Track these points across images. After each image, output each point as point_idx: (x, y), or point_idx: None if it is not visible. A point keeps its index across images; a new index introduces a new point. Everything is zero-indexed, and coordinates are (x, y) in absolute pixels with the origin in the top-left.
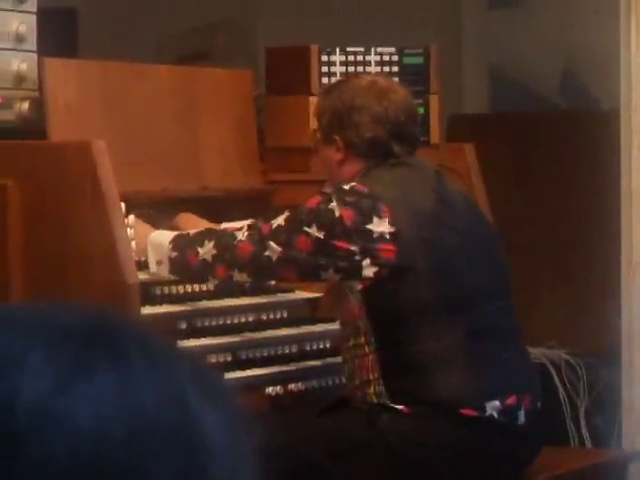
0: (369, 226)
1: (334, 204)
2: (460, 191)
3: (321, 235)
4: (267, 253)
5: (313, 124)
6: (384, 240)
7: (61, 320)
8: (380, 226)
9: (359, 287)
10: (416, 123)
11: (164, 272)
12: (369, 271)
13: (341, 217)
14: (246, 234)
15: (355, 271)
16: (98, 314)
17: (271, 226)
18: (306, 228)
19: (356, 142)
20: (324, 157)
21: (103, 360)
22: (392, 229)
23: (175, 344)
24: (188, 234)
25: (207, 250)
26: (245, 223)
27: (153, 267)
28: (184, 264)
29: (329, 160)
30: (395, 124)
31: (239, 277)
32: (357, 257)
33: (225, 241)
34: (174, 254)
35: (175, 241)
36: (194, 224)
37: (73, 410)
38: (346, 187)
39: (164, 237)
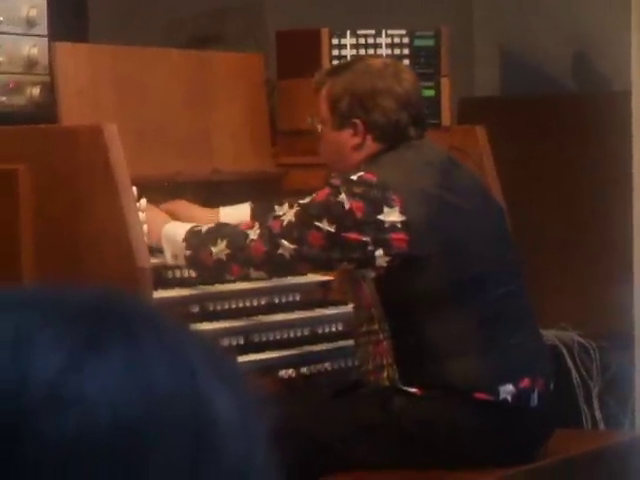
0: (380, 216)
1: (343, 196)
2: (470, 172)
3: (332, 229)
4: (280, 251)
5: (320, 108)
6: (396, 229)
7: (71, 299)
8: (391, 215)
9: (372, 275)
10: (424, 104)
11: (181, 264)
12: (382, 261)
13: (351, 209)
14: (257, 232)
15: (368, 261)
16: (109, 294)
17: (282, 223)
18: (317, 223)
19: (381, 124)
20: (336, 142)
21: (114, 338)
22: (403, 218)
23: (186, 325)
24: (200, 231)
25: (220, 249)
26: (242, 206)
27: (169, 259)
28: (200, 264)
29: (342, 144)
30: (415, 107)
31: (256, 275)
32: (370, 247)
33: (237, 241)
34: (188, 252)
35: (188, 239)
36: (187, 211)
37: (84, 387)
38: (354, 177)
39: (178, 231)
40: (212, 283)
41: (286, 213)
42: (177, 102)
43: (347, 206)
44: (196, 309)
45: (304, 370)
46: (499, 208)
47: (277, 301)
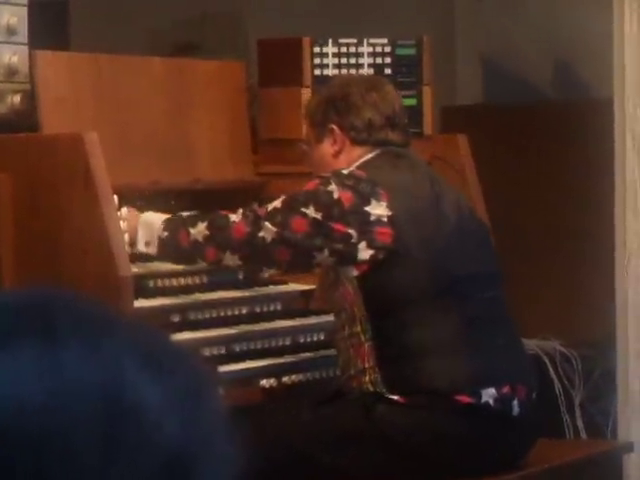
0: (367, 208)
1: (333, 186)
2: (449, 186)
3: (318, 216)
4: (262, 234)
5: (296, 126)
6: (381, 223)
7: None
8: (378, 209)
9: (355, 273)
10: (406, 116)
11: (152, 252)
12: (365, 254)
13: (339, 199)
14: (240, 216)
15: (350, 254)
16: (42, 292)
17: (267, 209)
18: (303, 209)
19: (355, 124)
20: (320, 155)
21: (28, 332)
22: (389, 213)
23: (127, 319)
24: (181, 215)
25: (199, 231)
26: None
27: (142, 247)
28: (174, 244)
29: (324, 155)
30: (390, 111)
31: (230, 260)
32: (353, 240)
33: (218, 222)
34: (165, 234)
35: (167, 222)
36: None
37: None
38: (345, 172)
39: (156, 217)
40: (182, 264)
41: (273, 202)
42: (158, 110)
43: (336, 195)
44: (177, 318)
45: (286, 380)
46: (483, 223)
47: (258, 310)
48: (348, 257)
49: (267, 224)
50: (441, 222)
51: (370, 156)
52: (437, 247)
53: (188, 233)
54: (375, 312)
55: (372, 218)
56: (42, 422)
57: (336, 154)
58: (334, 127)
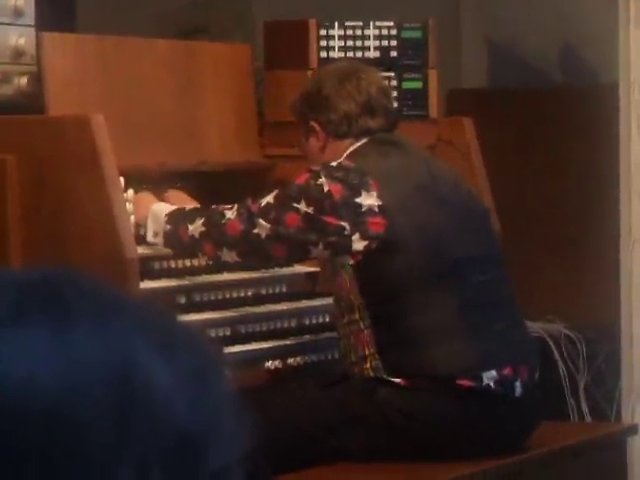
0: (358, 200)
1: (323, 180)
2: (448, 168)
3: (310, 210)
4: (256, 231)
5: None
6: (373, 213)
7: (10, 274)
8: (368, 199)
9: (351, 262)
10: (389, 98)
11: (160, 243)
12: (359, 245)
13: (330, 192)
14: (235, 212)
15: (345, 246)
16: (53, 271)
17: (260, 204)
18: (295, 204)
19: (331, 119)
20: (309, 151)
21: (41, 310)
22: (380, 202)
23: (136, 299)
24: (184, 209)
25: (196, 227)
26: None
27: (150, 237)
28: (176, 239)
29: (312, 151)
30: (366, 98)
31: (227, 256)
32: (346, 232)
33: (214, 219)
34: (168, 227)
35: (170, 215)
36: (181, 202)
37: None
38: (333, 164)
39: (163, 209)
40: (187, 258)
41: (266, 196)
42: (164, 93)
43: (326, 188)
44: (183, 300)
45: (291, 361)
46: (482, 206)
47: (264, 292)
48: (343, 249)
49: (261, 221)
50: (436, 205)
51: (357, 145)
52: (433, 231)
53: (187, 228)
54: (372, 300)
55: (364, 209)
56: (54, 399)
57: (322, 149)
58: (314, 124)
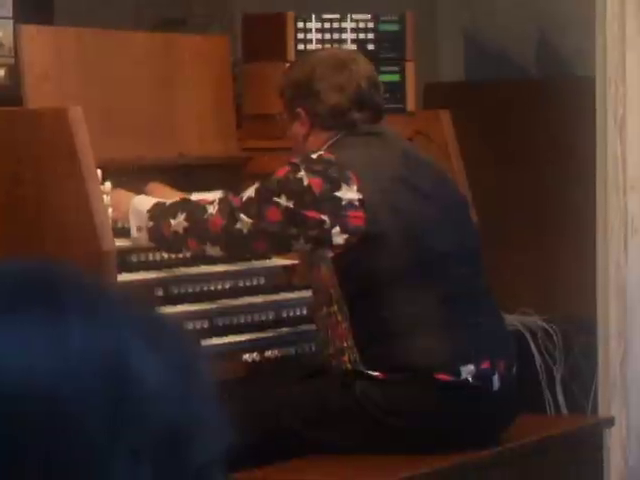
0: (337, 193)
1: (302, 173)
2: (429, 159)
3: (291, 204)
4: (238, 226)
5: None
6: (353, 207)
7: (5, 268)
8: (348, 193)
9: (330, 255)
10: (379, 90)
11: (144, 238)
12: (339, 239)
13: (309, 185)
14: (217, 208)
15: (325, 239)
16: (44, 264)
17: (241, 199)
18: (276, 198)
19: (319, 111)
20: (292, 134)
21: (33, 302)
22: (360, 196)
23: (125, 296)
24: (164, 204)
25: (178, 222)
26: (217, 196)
27: (134, 232)
28: (159, 234)
29: (295, 136)
30: (356, 91)
31: (212, 251)
32: (327, 225)
33: (196, 215)
34: (151, 223)
35: (152, 210)
36: (163, 194)
37: None
38: (314, 156)
39: (144, 204)
40: (172, 253)
41: (247, 190)
42: (142, 85)
43: (306, 182)
44: (160, 292)
45: (268, 354)
46: (462, 198)
47: (241, 285)
48: (323, 242)
49: (242, 216)
50: (416, 197)
51: (339, 136)
52: (413, 224)
53: (169, 225)
54: (351, 293)
55: (344, 203)
56: (49, 391)
57: (305, 137)
58: (300, 111)
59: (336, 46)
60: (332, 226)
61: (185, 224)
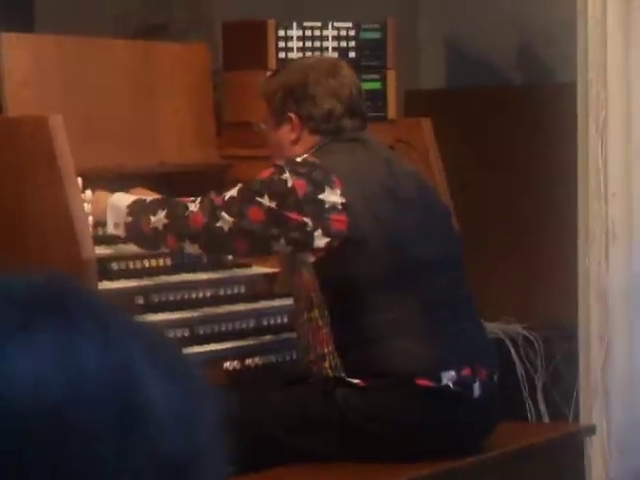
0: (321, 196)
1: (287, 175)
2: (411, 167)
3: (273, 205)
4: (219, 224)
5: (263, 112)
6: (336, 210)
7: (14, 282)
8: (332, 196)
9: (311, 259)
10: (364, 99)
11: (120, 234)
12: (321, 242)
13: (293, 187)
14: (198, 205)
15: (306, 242)
16: (53, 279)
17: (224, 198)
18: (258, 198)
19: (314, 115)
20: (277, 139)
21: (47, 320)
22: (344, 200)
23: (131, 315)
24: (144, 200)
25: (159, 219)
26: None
27: (110, 229)
28: (137, 231)
29: (282, 140)
30: (349, 98)
31: (190, 248)
32: (309, 228)
33: (177, 211)
34: (129, 219)
35: (131, 206)
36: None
37: (9, 367)
38: (298, 159)
39: (123, 200)
40: (148, 250)
41: (230, 190)
42: (122, 93)
43: (290, 184)
44: (141, 301)
45: (249, 362)
46: (445, 207)
47: (222, 293)
48: (304, 245)
49: (224, 214)
50: (399, 205)
51: (325, 142)
52: (394, 231)
53: (149, 220)
54: (332, 298)
55: (327, 206)
56: (59, 407)
57: (294, 141)
58: (293, 116)
59: (318, 54)
60: (314, 229)
61: (165, 220)
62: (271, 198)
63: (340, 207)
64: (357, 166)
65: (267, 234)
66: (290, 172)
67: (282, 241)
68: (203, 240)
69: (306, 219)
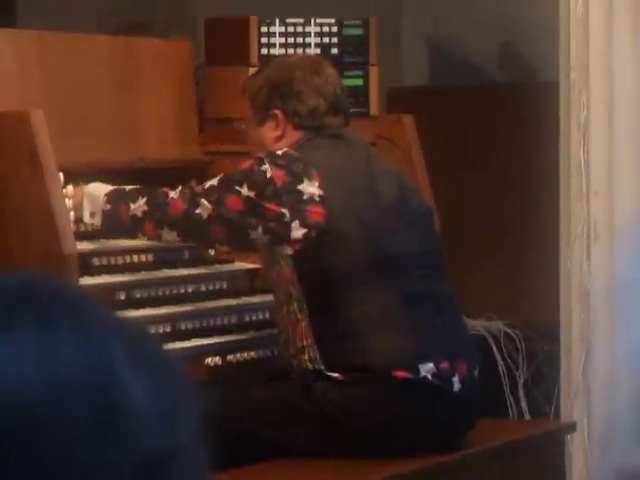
0: (299, 187)
1: (266, 166)
2: (391, 166)
3: (252, 194)
4: (198, 211)
5: (245, 110)
6: (313, 202)
7: None
8: (310, 188)
9: (290, 252)
10: (347, 97)
11: (97, 223)
12: (298, 233)
13: (272, 178)
14: (179, 193)
15: (284, 233)
16: (32, 278)
17: (204, 186)
18: (237, 187)
19: (300, 111)
20: (259, 137)
21: (25, 320)
22: (322, 192)
23: (112, 312)
24: (124, 189)
25: (138, 206)
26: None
27: (86, 218)
28: (115, 218)
29: (264, 138)
30: (333, 96)
31: (168, 236)
32: (286, 219)
33: (157, 199)
34: (107, 207)
35: (110, 194)
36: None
37: None
38: (279, 152)
39: (100, 189)
40: (125, 237)
41: (210, 180)
42: (104, 89)
43: (269, 174)
44: (122, 296)
45: (231, 358)
46: (425, 205)
47: (204, 289)
48: (282, 235)
49: (203, 201)
50: (377, 200)
51: (307, 138)
52: (372, 225)
53: (128, 207)
54: (311, 290)
55: (305, 197)
56: (39, 406)
57: (278, 138)
58: (277, 112)
59: (300, 51)
60: (291, 220)
61: (145, 207)
62: (250, 188)
63: (318, 199)
64: (338, 162)
65: (245, 223)
66: (270, 163)
67: (259, 230)
68: (182, 227)
69: (284, 210)
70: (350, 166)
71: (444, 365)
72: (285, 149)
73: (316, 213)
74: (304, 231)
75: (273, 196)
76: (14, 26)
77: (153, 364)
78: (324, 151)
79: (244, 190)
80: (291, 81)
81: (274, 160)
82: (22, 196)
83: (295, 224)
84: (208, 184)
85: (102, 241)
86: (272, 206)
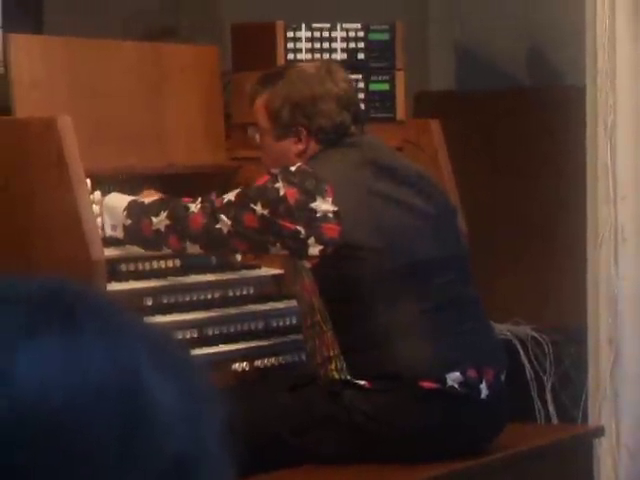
0: (312, 205)
1: (280, 184)
2: (415, 167)
3: (265, 212)
4: (218, 226)
5: (257, 118)
6: (327, 219)
7: (20, 286)
8: (324, 205)
9: (309, 266)
10: (359, 100)
11: (119, 236)
12: (315, 249)
13: (285, 196)
14: (199, 206)
15: (302, 249)
16: (59, 283)
17: (222, 200)
18: (252, 205)
19: (324, 127)
20: (279, 151)
21: (52, 323)
22: (335, 208)
23: (138, 317)
24: (143, 202)
25: (160, 220)
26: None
27: (108, 231)
28: (138, 233)
29: (285, 152)
30: (354, 105)
31: (192, 249)
32: (302, 236)
33: (178, 212)
34: (128, 222)
35: (129, 208)
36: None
37: (13, 371)
38: (292, 168)
39: (119, 201)
40: (150, 251)
41: (229, 193)
42: (132, 95)
43: (282, 192)
44: (150, 302)
45: (258, 363)
46: (450, 206)
47: (231, 294)
48: (300, 251)
49: (222, 217)
50: (396, 208)
51: (326, 151)
52: (392, 233)
53: (151, 222)
54: (332, 301)
55: (318, 214)
56: (64, 413)
57: (300, 153)
58: (302, 130)
59: (327, 57)
60: (307, 237)
61: (167, 222)
62: (264, 206)
63: (332, 215)
64: (351, 173)
65: (263, 239)
66: (282, 180)
67: (278, 246)
68: (204, 241)
69: (299, 227)
70: (365, 176)
71: (471, 373)
72: (299, 164)
73: (331, 229)
74: (320, 248)
75: (287, 214)
76: (41, 32)
77: (179, 369)
78: (337, 162)
79: (258, 208)
80: (314, 98)
81: (287, 177)
82: (49, 202)
83: (311, 241)
84: (226, 199)
85: (129, 247)
86: (287, 223)
